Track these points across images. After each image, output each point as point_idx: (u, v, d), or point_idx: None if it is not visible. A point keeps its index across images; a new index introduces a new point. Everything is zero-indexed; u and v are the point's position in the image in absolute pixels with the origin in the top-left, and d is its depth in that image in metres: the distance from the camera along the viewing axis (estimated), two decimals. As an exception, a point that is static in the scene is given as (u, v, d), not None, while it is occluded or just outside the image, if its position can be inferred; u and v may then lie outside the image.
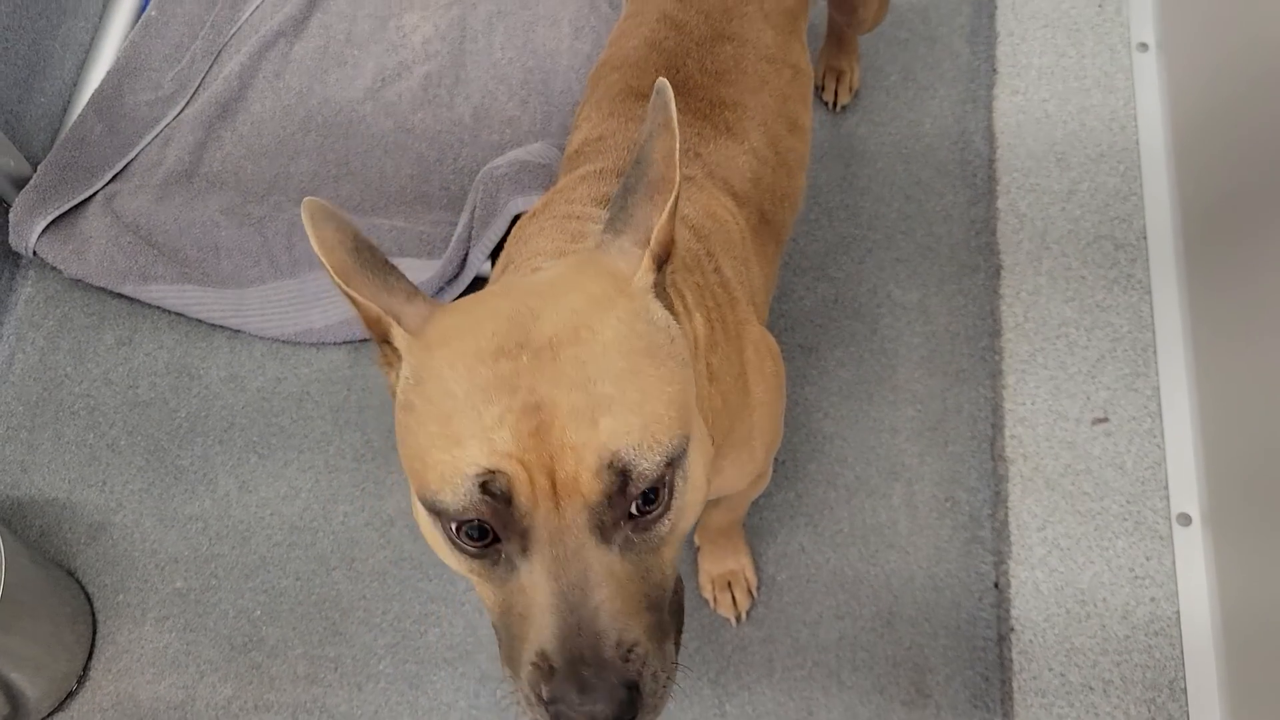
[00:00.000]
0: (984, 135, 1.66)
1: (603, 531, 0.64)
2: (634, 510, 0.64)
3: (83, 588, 1.47)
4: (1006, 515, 1.42)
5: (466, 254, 1.53)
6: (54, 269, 1.66)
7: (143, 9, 1.87)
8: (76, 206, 1.65)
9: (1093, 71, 1.69)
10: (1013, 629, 1.36)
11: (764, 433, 1.00)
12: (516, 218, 1.49)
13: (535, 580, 0.64)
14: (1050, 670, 1.34)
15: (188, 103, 1.77)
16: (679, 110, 1.05)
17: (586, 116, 1.12)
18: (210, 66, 1.81)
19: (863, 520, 1.43)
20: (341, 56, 1.80)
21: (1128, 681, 1.33)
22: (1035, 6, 1.75)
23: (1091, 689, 1.33)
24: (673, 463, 0.65)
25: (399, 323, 0.68)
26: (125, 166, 1.71)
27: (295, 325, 1.58)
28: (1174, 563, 1.38)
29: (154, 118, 1.75)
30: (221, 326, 1.61)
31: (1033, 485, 1.44)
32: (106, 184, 1.69)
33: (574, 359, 0.63)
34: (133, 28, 1.85)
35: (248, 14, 1.85)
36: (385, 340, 0.70)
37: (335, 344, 1.59)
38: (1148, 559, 1.39)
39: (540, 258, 0.88)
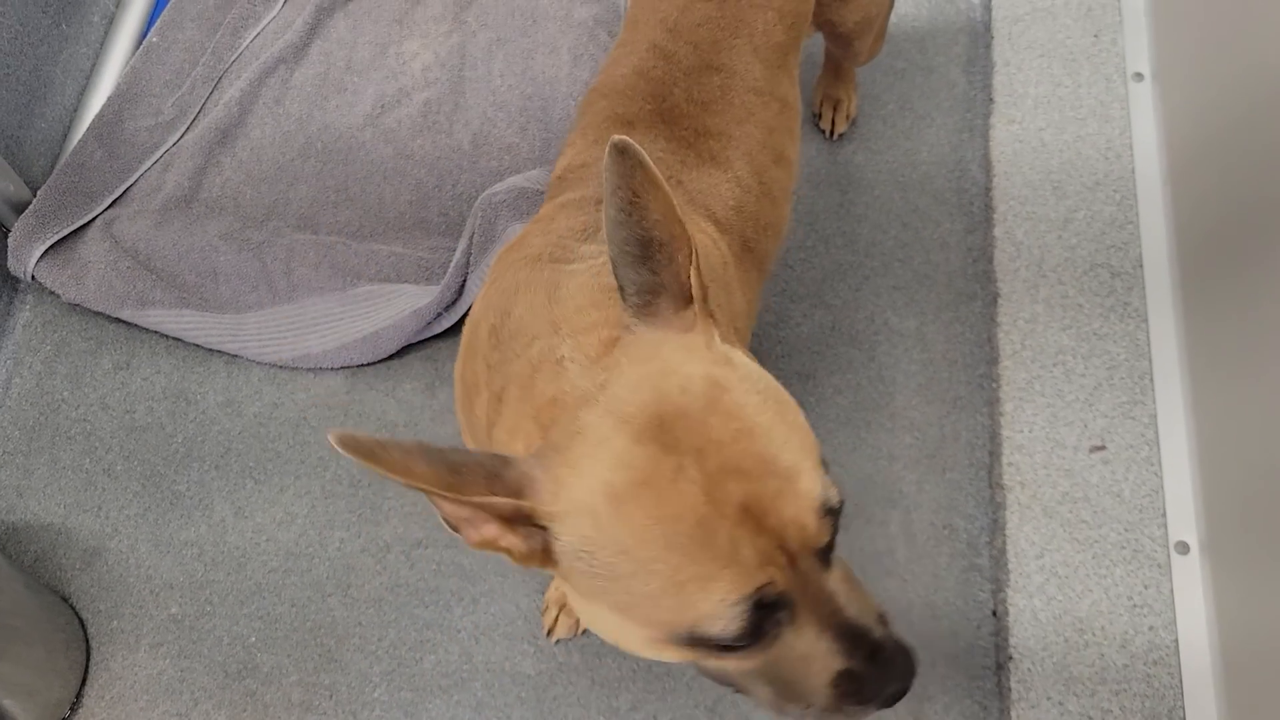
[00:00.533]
0: (980, 164, 1.67)
1: (827, 559, 0.71)
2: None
3: (77, 613, 1.47)
4: (1004, 543, 1.42)
5: (465, 280, 1.54)
6: (52, 294, 1.66)
7: (144, 35, 1.88)
8: (75, 231, 1.66)
9: (1089, 101, 1.70)
10: (1011, 657, 1.36)
11: None
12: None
13: (808, 636, 0.69)
14: (1049, 699, 1.33)
15: (188, 128, 1.78)
16: (664, 138, 1.06)
17: (572, 142, 1.13)
18: (211, 93, 1.82)
19: (860, 548, 1.42)
20: (341, 83, 1.81)
21: (1126, 711, 1.32)
22: (1031, 36, 1.76)
23: (1090, 718, 1.32)
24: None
25: (536, 505, 0.67)
26: (125, 192, 1.72)
27: (293, 350, 1.58)
28: (1172, 591, 1.38)
29: (154, 143, 1.76)
30: (219, 351, 1.61)
31: (1030, 513, 1.43)
32: (106, 209, 1.69)
33: (737, 447, 0.66)
34: (133, 54, 1.86)
35: (248, 41, 1.86)
36: (516, 521, 0.68)
37: (332, 369, 1.59)
38: (1146, 587, 1.38)
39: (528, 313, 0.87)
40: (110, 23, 1.89)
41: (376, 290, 1.59)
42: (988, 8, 1.79)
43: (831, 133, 1.69)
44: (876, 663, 0.70)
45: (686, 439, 0.65)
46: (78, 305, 1.64)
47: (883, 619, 0.72)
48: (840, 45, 1.45)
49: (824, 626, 0.69)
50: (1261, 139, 1.34)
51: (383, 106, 1.78)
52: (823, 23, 1.34)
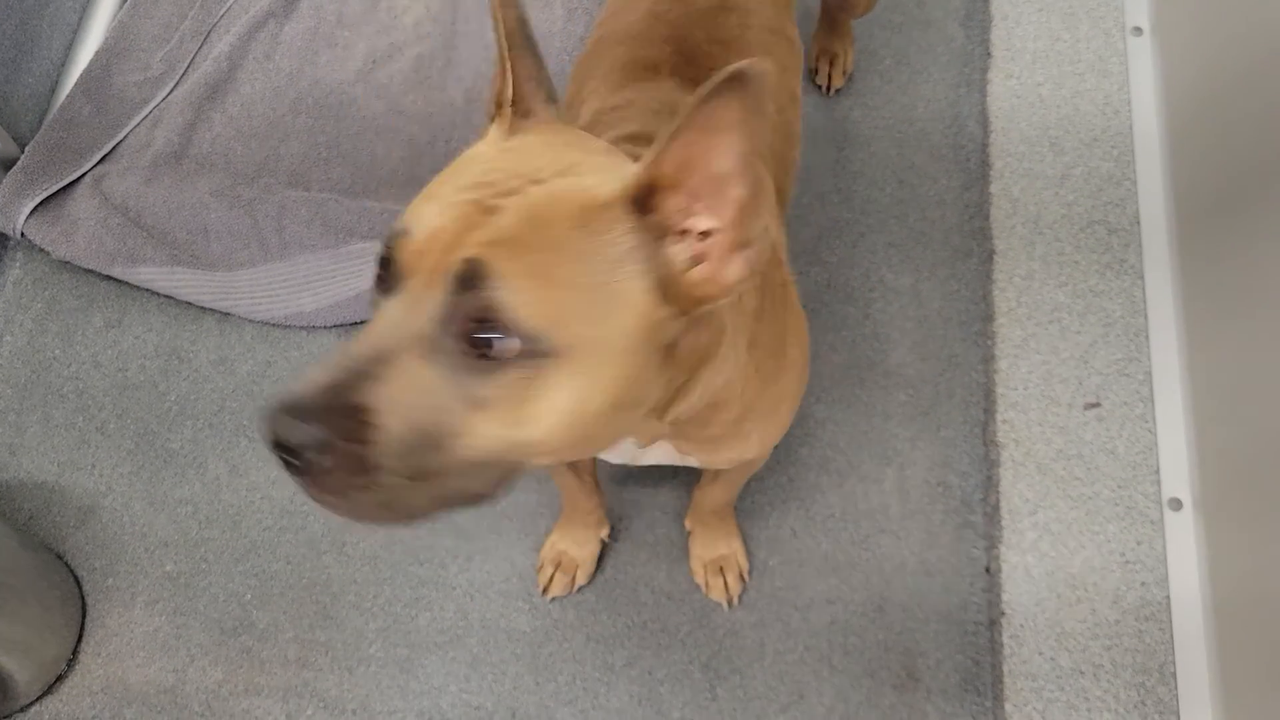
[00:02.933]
0: (978, 119, 1.65)
1: (435, 339, 0.64)
2: (473, 342, 0.63)
3: (72, 571, 1.47)
4: (998, 500, 1.42)
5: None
6: (42, 251, 1.64)
7: (131, -11, 1.85)
8: (64, 188, 1.64)
9: (1087, 56, 1.69)
10: (1003, 613, 1.36)
11: (793, 396, 1.00)
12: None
13: (376, 321, 0.66)
14: (1040, 655, 1.34)
15: (177, 84, 1.76)
16: (690, 80, 1.04)
17: (594, 90, 1.10)
18: (199, 47, 1.79)
19: (854, 505, 1.43)
20: (332, 38, 1.78)
21: (1118, 666, 1.33)
22: (1030, -10, 1.74)
23: (1082, 673, 1.33)
24: (533, 348, 0.64)
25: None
26: (114, 148, 1.70)
27: (285, 308, 1.57)
28: (1165, 548, 1.38)
29: (143, 99, 1.74)
30: (211, 309, 1.60)
31: (1024, 470, 1.44)
32: (95, 165, 1.67)
33: (539, 194, 0.67)
34: (121, 8, 1.83)
35: (238, -6, 1.84)
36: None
37: (326, 327, 1.58)
38: (1139, 544, 1.39)
39: None
40: (97, -25, 1.87)
41: (369, 248, 1.58)
42: (987, -39, 1.77)
43: (828, 88, 1.67)
44: (305, 397, 0.62)
45: (539, 167, 0.70)
46: (68, 262, 1.63)
47: (366, 429, 0.62)
48: None
49: (372, 330, 0.65)
50: (1260, 95, 1.32)
51: (374, 61, 1.75)
52: None
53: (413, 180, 1.65)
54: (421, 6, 1.78)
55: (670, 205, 0.67)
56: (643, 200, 0.67)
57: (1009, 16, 1.73)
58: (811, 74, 1.68)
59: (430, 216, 0.67)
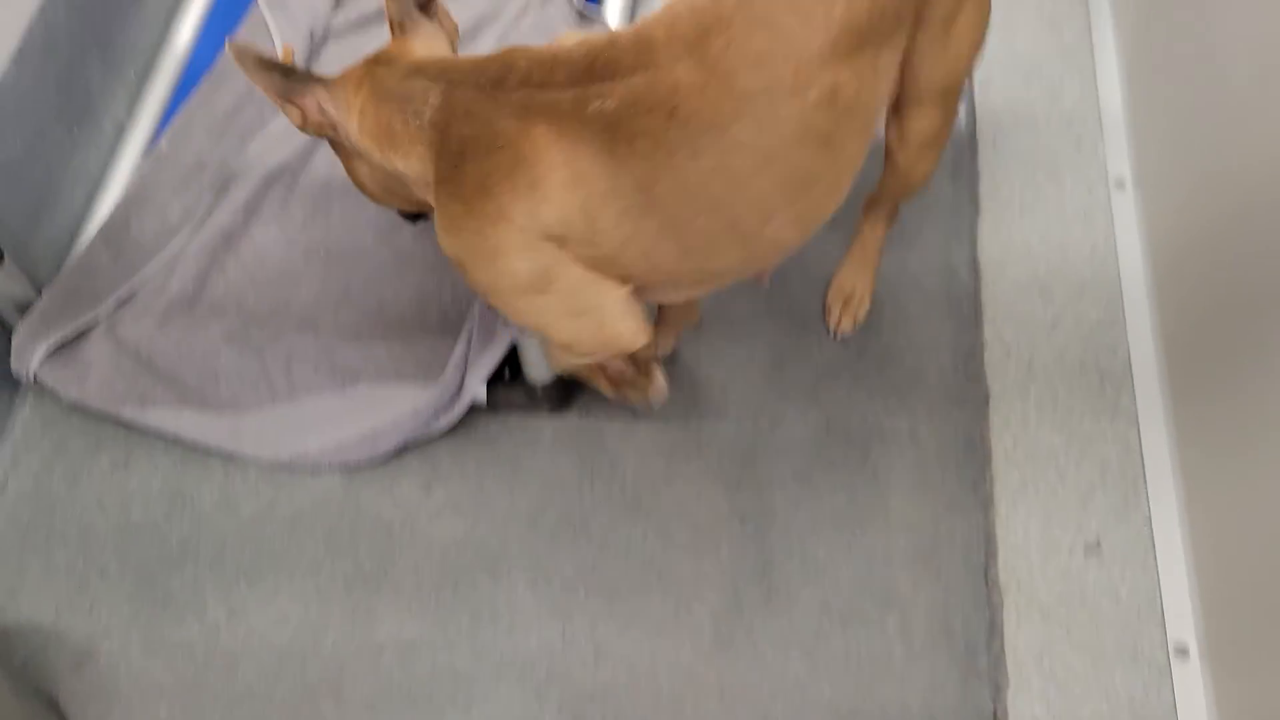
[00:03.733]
0: (969, 268, 1.70)
1: None
2: None
3: (66, 719, 1.44)
4: (1002, 645, 1.41)
5: (463, 378, 1.55)
6: (53, 393, 1.67)
7: (154, 142, 1.93)
8: (79, 332, 1.67)
9: (1072, 208, 1.75)
10: (1012, 764, 1.34)
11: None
12: (513, 346, 1.52)
13: None
14: (1052, 808, 1.31)
15: (194, 232, 1.81)
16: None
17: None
18: (217, 197, 1.86)
19: (858, 649, 1.41)
20: (346, 187, 1.85)
21: (1131, 820, 1.30)
22: (1015, 145, 1.82)
23: (1094, 828, 1.30)
24: None
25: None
26: (129, 293, 1.74)
27: (291, 450, 1.59)
28: (1174, 697, 1.37)
29: (160, 246, 1.79)
30: (217, 451, 1.62)
31: (1028, 615, 1.43)
32: (110, 310, 1.71)
33: None
34: (143, 160, 1.90)
35: (256, 147, 1.91)
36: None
37: (329, 468, 1.59)
38: (1146, 693, 1.37)
39: None
40: (121, 130, 1.95)
41: (375, 390, 1.61)
42: (972, 118, 1.85)
43: (835, 333, 1.65)
44: None
45: None
46: (78, 404, 1.65)
47: None
48: (901, 135, 1.38)
49: None
50: (1242, 244, 1.37)
51: (386, 211, 1.81)
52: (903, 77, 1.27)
53: (420, 325, 1.69)
54: (432, 159, 1.85)
55: None
56: None
57: (995, 171, 1.80)
58: (822, 313, 1.68)
59: None
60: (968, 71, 1.33)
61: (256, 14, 2.07)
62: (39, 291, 1.71)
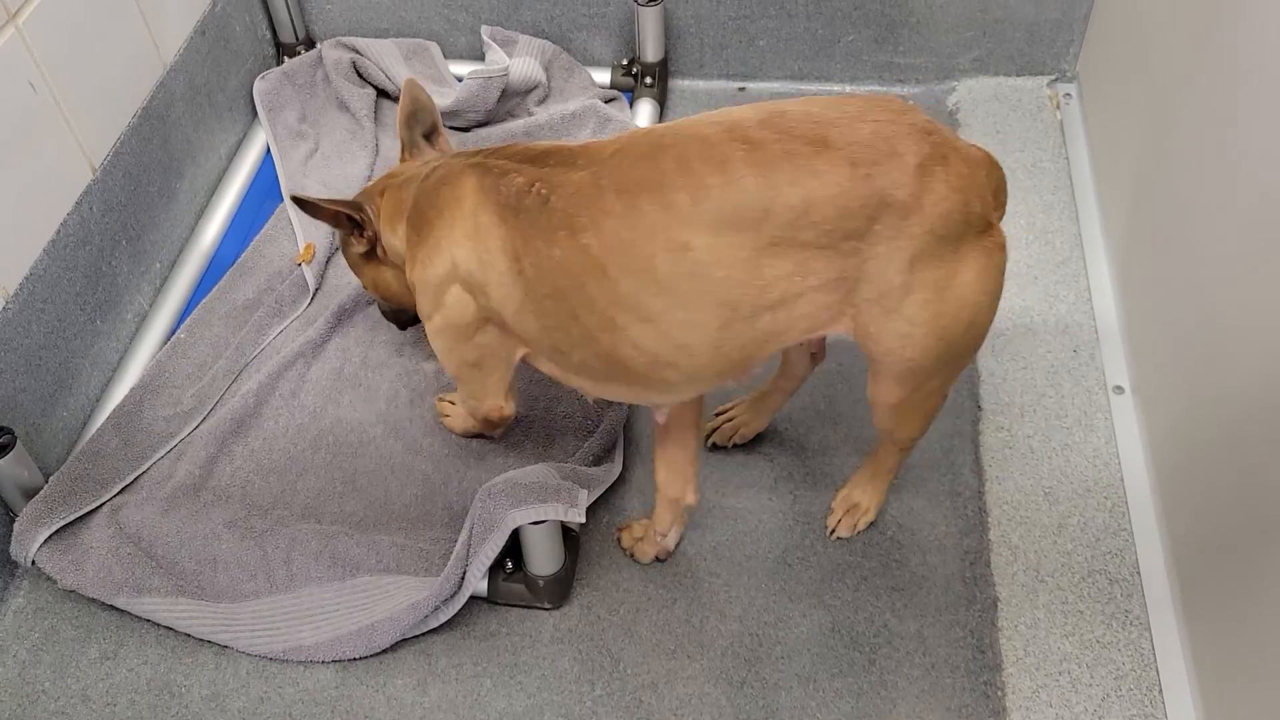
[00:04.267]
0: (972, 468, 1.71)
1: None
2: None
3: None
4: None
5: (464, 572, 1.54)
6: (48, 579, 1.65)
7: (173, 332, 1.98)
8: (81, 517, 1.67)
9: (1072, 411, 1.77)
10: None
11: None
12: (515, 532, 1.51)
13: None
14: None
15: (204, 418, 1.84)
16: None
17: None
18: (230, 384, 1.89)
19: None
20: (357, 379, 1.89)
21: None
22: (1014, 349, 1.86)
23: None
24: None
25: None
26: (135, 479, 1.75)
27: (285, 642, 1.56)
28: None
29: (170, 432, 1.81)
30: (209, 641, 1.59)
31: (1046, 835, 1.36)
32: (114, 495, 1.71)
33: None
34: (161, 349, 1.95)
35: (272, 336, 1.96)
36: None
37: (323, 662, 1.56)
38: None
39: None
40: (143, 320, 2.00)
41: (375, 582, 1.59)
42: (971, 322, 1.90)
43: (832, 532, 1.66)
44: None
45: None
46: (72, 591, 1.63)
47: None
48: (870, 397, 1.40)
49: None
50: (1242, 453, 1.38)
51: (395, 404, 1.85)
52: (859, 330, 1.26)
53: (424, 517, 1.69)
54: (443, 353, 1.90)
55: None
56: None
57: (995, 373, 1.83)
58: (825, 515, 1.69)
59: None
60: (933, 364, 1.28)
61: (282, 213, 2.18)
62: (47, 478, 1.71)
